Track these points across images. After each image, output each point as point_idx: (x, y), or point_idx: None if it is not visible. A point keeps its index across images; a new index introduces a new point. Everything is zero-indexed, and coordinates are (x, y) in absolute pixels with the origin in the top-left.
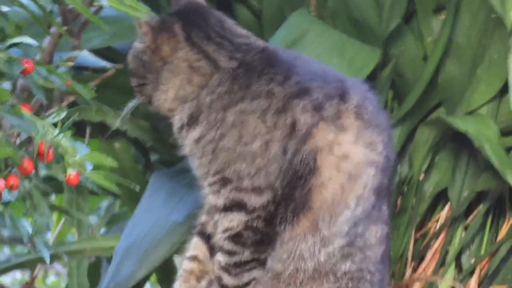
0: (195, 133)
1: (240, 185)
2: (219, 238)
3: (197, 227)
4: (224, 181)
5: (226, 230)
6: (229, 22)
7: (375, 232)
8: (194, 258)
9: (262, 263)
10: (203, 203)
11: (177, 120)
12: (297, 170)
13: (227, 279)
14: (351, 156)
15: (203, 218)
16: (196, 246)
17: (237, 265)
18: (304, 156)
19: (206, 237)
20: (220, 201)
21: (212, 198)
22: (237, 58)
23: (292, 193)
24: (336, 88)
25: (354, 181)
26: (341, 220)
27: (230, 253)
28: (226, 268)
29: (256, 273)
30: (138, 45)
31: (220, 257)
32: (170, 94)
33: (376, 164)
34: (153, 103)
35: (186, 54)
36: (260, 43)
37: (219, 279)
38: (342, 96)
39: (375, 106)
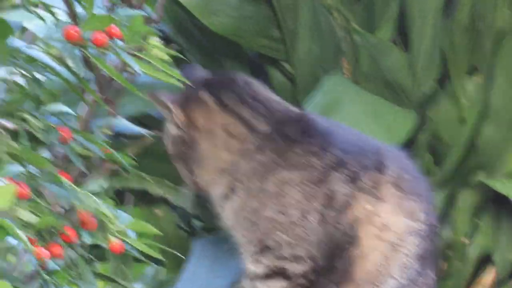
0: (234, 203)
1: (281, 254)
2: None
3: None
4: (264, 250)
5: None
6: (257, 85)
7: None
8: None
9: None
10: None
11: (217, 192)
12: (337, 241)
13: None
14: (392, 226)
15: (244, 283)
16: None
17: None
18: (343, 227)
19: None
20: (260, 269)
21: (252, 266)
22: (274, 124)
23: (333, 263)
24: (373, 159)
25: (397, 251)
26: None
27: None
28: None
29: None
30: (172, 129)
31: None
32: (210, 166)
33: (419, 232)
34: (197, 181)
35: (221, 119)
36: (294, 109)
37: None
38: (379, 167)
39: (413, 174)
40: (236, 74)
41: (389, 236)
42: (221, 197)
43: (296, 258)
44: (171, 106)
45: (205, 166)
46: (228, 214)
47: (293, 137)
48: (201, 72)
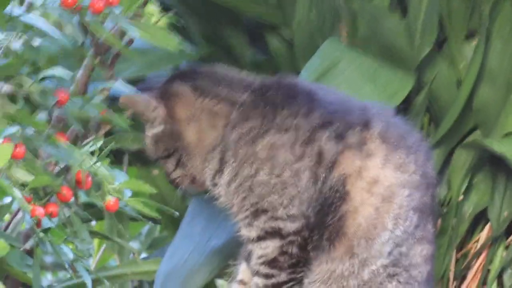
0: (227, 175)
1: (275, 214)
2: (254, 263)
3: (244, 253)
4: (258, 213)
5: (261, 257)
6: (226, 68)
7: (420, 251)
8: (240, 282)
9: (299, 281)
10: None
11: (210, 170)
12: (328, 197)
13: None
14: (381, 180)
15: (248, 245)
16: (242, 270)
17: (275, 286)
18: (333, 184)
19: (249, 261)
20: (254, 233)
21: (244, 231)
22: (253, 92)
23: (325, 220)
24: (359, 117)
25: (388, 203)
26: (380, 242)
27: (267, 276)
28: None
29: None
30: (152, 131)
31: (257, 280)
32: (200, 151)
33: (410, 184)
34: (192, 173)
35: (201, 104)
36: (271, 78)
37: None
38: (365, 124)
39: (403, 129)
40: (200, 65)
41: (379, 189)
42: (215, 174)
43: (290, 217)
44: (151, 101)
45: (196, 153)
46: (222, 189)
47: (277, 101)
48: (160, 79)
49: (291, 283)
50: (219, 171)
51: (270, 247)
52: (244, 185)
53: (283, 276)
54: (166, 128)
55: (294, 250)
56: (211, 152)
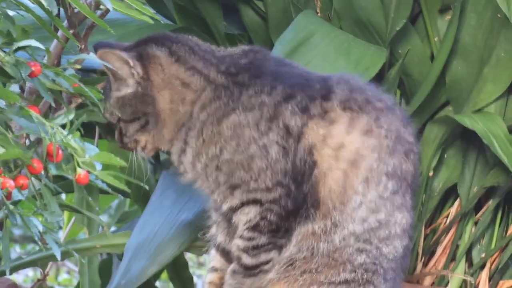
0: (189, 154)
1: (249, 188)
2: (240, 230)
3: (212, 241)
4: (233, 187)
5: (246, 223)
6: (197, 38)
7: (400, 219)
8: (212, 269)
9: (279, 247)
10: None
11: (176, 148)
12: (300, 168)
13: (246, 259)
14: (347, 145)
15: (213, 230)
16: (213, 257)
17: (255, 247)
18: (302, 154)
19: (217, 247)
20: (235, 201)
21: (226, 205)
22: (223, 71)
23: (302, 189)
24: (319, 89)
25: (356, 167)
26: (351, 206)
27: (248, 239)
28: (245, 250)
29: (273, 254)
30: (122, 93)
31: (239, 242)
32: (171, 123)
33: (380, 147)
34: (150, 140)
35: (176, 70)
36: (238, 51)
37: (238, 258)
38: (325, 95)
39: (369, 94)
40: (172, 33)
41: (344, 154)
42: (180, 153)
43: (264, 188)
44: (129, 60)
45: (165, 124)
46: (187, 168)
47: (243, 79)
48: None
49: (270, 245)
50: (183, 150)
51: (252, 212)
52: (211, 165)
53: (263, 239)
54: (139, 90)
55: (272, 217)
56: (180, 131)
